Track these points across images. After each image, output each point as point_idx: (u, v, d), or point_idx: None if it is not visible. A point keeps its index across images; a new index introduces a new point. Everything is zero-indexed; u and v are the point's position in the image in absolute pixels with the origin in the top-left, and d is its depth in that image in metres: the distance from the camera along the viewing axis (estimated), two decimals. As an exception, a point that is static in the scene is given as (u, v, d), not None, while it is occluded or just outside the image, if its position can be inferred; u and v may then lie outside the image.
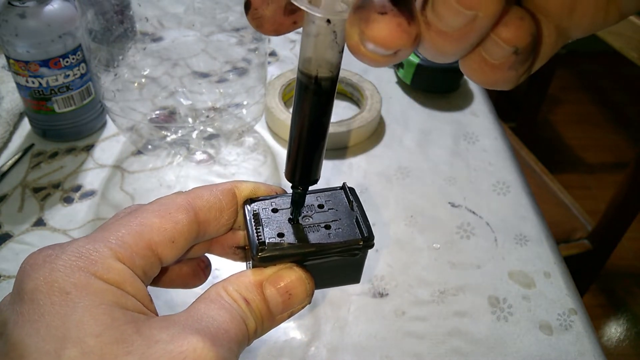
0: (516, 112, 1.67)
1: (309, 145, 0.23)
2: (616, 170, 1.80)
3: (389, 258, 0.48)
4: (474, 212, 0.53)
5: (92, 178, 0.54)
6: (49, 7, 0.50)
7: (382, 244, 0.49)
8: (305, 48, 0.20)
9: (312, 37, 0.19)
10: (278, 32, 0.20)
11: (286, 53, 0.76)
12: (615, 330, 1.36)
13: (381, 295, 0.45)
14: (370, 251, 0.27)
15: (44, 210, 0.50)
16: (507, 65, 0.17)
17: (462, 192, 0.55)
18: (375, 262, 0.47)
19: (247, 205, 0.26)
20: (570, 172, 1.79)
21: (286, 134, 0.59)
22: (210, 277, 0.30)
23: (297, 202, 0.25)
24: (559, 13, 0.17)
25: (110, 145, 0.58)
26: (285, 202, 0.26)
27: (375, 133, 0.62)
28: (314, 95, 0.21)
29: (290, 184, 0.25)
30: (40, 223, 0.49)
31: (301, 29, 0.20)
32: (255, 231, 0.25)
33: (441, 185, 0.56)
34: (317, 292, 0.44)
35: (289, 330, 0.42)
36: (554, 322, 0.43)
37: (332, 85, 0.21)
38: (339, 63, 0.20)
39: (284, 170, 0.24)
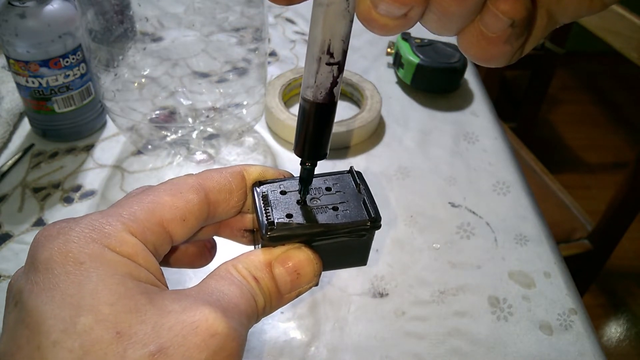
0: (516, 112, 1.67)
1: (318, 119, 0.23)
2: (616, 170, 1.80)
3: (389, 258, 0.48)
4: (474, 212, 0.53)
5: (92, 178, 0.54)
6: (49, 7, 0.50)
7: (382, 244, 0.49)
8: (316, 19, 0.20)
9: (324, 6, 0.19)
10: (290, 2, 0.20)
11: (286, 53, 0.76)
12: (615, 330, 1.36)
13: (381, 295, 0.45)
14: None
15: (44, 210, 0.50)
16: (503, 39, 0.18)
17: (462, 192, 0.55)
18: (375, 262, 0.47)
19: (256, 188, 0.26)
20: (570, 172, 1.79)
21: (286, 134, 0.59)
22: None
23: (306, 180, 0.25)
24: None
25: (110, 145, 0.58)
26: (293, 185, 0.27)
27: (375, 133, 0.62)
28: (326, 65, 0.21)
29: (299, 162, 0.25)
30: (40, 223, 0.49)
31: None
32: (264, 212, 0.25)
33: (441, 185, 0.56)
34: (317, 292, 0.44)
35: (289, 330, 0.42)
36: (554, 322, 0.43)
37: (343, 56, 0.21)
38: (349, 34, 0.20)
39: (293, 148, 0.25)
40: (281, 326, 0.42)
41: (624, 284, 1.46)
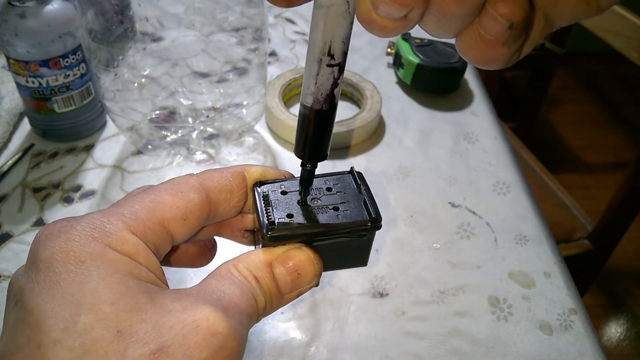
0: (516, 112, 1.67)
1: (318, 124, 0.23)
2: (616, 170, 1.80)
3: (389, 258, 0.48)
4: (474, 212, 0.53)
5: (92, 178, 0.54)
6: (49, 7, 0.50)
7: (382, 244, 0.49)
8: (316, 21, 0.20)
9: (324, 8, 0.19)
10: (291, 4, 0.20)
11: (286, 53, 0.76)
12: (615, 330, 1.36)
13: (381, 295, 0.45)
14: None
15: (44, 210, 0.50)
16: (502, 41, 0.18)
17: (462, 192, 0.55)
18: (375, 262, 0.47)
19: (257, 188, 0.26)
20: (570, 172, 1.79)
21: (286, 134, 0.59)
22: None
23: (306, 181, 0.25)
24: (545, 1, 0.18)
25: (110, 145, 0.58)
26: (294, 185, 0.27)
27: (376, 133, 0.62)
28: (327, 67, 0.21)
29: (300, 163, 0.25)
30: (40, 223, 0.49)
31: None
32: (265, 212, 0.25)
33: (441, 185, 0.56)
34: (317, 292, 0.44)
35: (289, 330, 0.42)
36: (554, 322, 0.43)
37: (344, 57, 0.21)
38: (350, 35, 0.21)
39: (293, 149, 0.25)
40: (281, 326, 0.42)
41: (624, 284, 1.46)
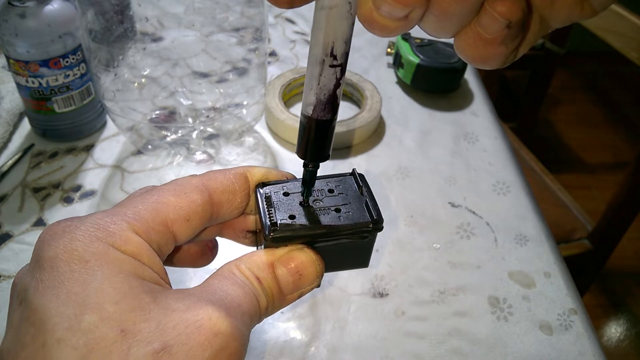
0: (516, 112, 1.67)
1: (321, 120, 0.23)
2: (616, 170, 1.80)
3: (389, 258, 0.48)
4: (474, 212, 0.53)
5: (92, 178, 0.54)
6: (49, 7, 0.50)
7: (382, 244, 0.49)
8: (318, 22, 0.20)
9: (326, 9, 0.20)
10: (291, 5, 0.20)
11: (286, 53, 0.76)
12: (615, 330, 1.36)
13: (381, 295, 0.45)
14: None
15: (44, 210, 0.50)
16: (499, 40, 0.18)
17: (462, 192, 0.55)
18: (375, 262, 0.47)
19: (259, 189, 0.26)
20: (570, 172, 1.79)
21: (286, 134, 0.59)
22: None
23: (308, 181, 0.25)
24: (542, 3, 0.19)
25: (110, 145, 0.58)
26: (296, 187, 0.27)
27: (376, 133, 0.62)
28: (329, 68, 0.21)
29: (302, 163, 0.25)
30: (40, 223, 0.49)
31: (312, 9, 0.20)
32: (267, 213, 0.25)
33: (441, 185, 0.56)
34: (317, 292, 0.44)
35: (289, 330, 0.42)
36: (554, 322, 0.43)
37: (346, 57, 0.21)
38: (351, 35, 0.21)
39: (295, 150, 0.25)
40: (281, 326, 0.42)
41: (624, 284, 1.46)
